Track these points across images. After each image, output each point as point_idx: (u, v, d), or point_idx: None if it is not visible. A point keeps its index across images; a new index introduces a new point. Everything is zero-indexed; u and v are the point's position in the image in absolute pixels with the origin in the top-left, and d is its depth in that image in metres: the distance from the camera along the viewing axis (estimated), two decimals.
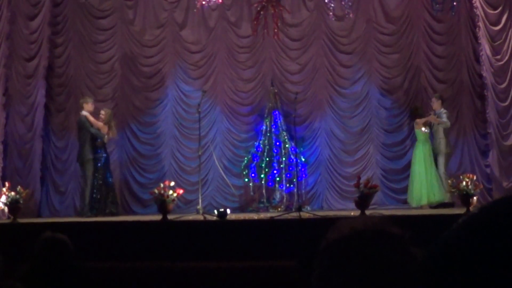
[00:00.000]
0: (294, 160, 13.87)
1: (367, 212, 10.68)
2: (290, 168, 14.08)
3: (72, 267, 5.00)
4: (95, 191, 13.09)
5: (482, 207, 1.39)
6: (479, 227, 1.33)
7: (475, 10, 13.57)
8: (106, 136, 13.32)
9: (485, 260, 1.28)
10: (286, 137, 14.28)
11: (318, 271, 1.54)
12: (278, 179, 14.13)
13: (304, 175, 14.25)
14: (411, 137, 14.49)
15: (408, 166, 14.38)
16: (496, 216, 1.33)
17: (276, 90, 14.59)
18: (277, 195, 14.11)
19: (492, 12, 13.33)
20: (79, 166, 13.69)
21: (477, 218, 1.36)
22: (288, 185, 14.09)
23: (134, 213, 14.35)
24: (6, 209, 12.09)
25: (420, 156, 13.32)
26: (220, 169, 14.25)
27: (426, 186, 13.07)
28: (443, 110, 13.40)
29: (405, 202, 14.10)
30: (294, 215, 10.91)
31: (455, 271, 1.32)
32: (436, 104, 13.52)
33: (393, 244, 1.51)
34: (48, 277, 4.83)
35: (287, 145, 14.23)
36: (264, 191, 14.12)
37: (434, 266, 1.36)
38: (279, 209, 13.56)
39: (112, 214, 12.94)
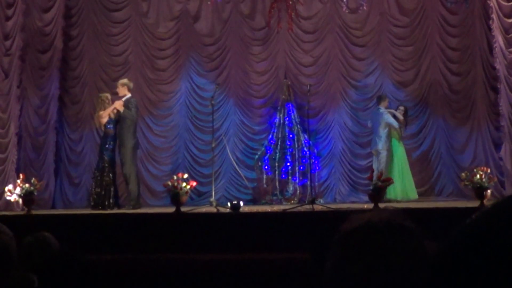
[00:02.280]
0: (307, 152, 13.87)
1: (381, 205, 10.66)
2: (303, 161, 14.08)
3: (66, 262, 4.97)
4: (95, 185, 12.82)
5: (496, 203, 1.39)
6: (492, 223, 1.33)
7: (488, 1, 13.48)
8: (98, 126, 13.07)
9: (497, 257, 1.28)
10: (299, 130, 14.27)
11: (331, 261, 1.55)
12: (291, 171, 14.13)
13: (317, 168, 14.24)
14: (425, 130, 14.49)
15: (422, 159, 14.41)
16: (509, 213, 1.33)
17: (289, 83, 14.60)
18: (290, 188, 14.11)
19: (506, 4, 13.24)
20: None
21: (490, 214, 1.36)
22: (301, 177, 14.10)
23: (147, 205, 14.37)
24: (20, 200, 12.12)
25: (396, 154, 13.47)
26: (233, 161, 14.27)
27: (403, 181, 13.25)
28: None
29: (420, 194, 14.10)
30: (307, 207, 10.92)
31: (466, 267, 1.32)
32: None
33: (406, 237, 1.52)
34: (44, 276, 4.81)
35: (300, 138, 14.23)
36: (277, 183, 14.12)
37: (446, 261, 1.37)
38: (292, 201, 13.56)
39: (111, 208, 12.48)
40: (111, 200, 12.47)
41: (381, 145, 13.44)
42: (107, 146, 12.65)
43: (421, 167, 14.46)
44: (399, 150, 13.54)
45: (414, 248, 1.51)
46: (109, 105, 12.75)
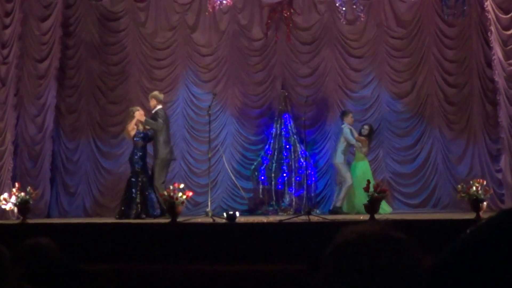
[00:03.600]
0: (304, 163, 13.85)
1: (376, 216, 10.64)
2: (300, 171, 14.07)
3: (63, 270, 4.94)
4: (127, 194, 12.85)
5: (490, 217, 1.40)
6: (487, 237, 1.33)
7: (486, 14, 13.50)
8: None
9: (492, 271, 1.28)
10: (296, 140, 14.28)
11: (324, 274, 1.56)
12: (287, 182, 14.12)
13: (313, 179, 14.24)
14: (421, 141, 14.50)
15: (418, 170, 14.41)
16: (503, 228, 1.33)
17: (286, 93, 14.60)
18: (287, 198, 14.10)
19: (504, 16, 13.27)
20: None
21: (485, 228, 1.36)
22: (297, 188, 14.08)
23: None
24: (15, 209, 12.10)
25: (358, 174, 13.52)
26: (229, 171, 14.27)
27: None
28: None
29: (415, 206, 14.13)
30: (303, 218, 10.88)
31: (462, 281, 1.32)
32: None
33: (398, 249, 1.52)
34: (40, 283, 4.79)
35: (297, 148, 14.23)
36: (273, 194, 14.11)
37: (442, 274, 1.37)
38: (289, 212, 13.55)
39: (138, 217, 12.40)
40: (138, 209, 12.49)
41: (337, 159, 13.57)
42: (135, 157, 12.78)
43: (417, 178, 14.47)
44: (357, 170, 13.55)
45: (407, 260, 1.51)
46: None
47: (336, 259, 1.55)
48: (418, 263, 1.52)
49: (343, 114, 13.93)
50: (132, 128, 12.82)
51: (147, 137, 12.86)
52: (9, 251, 4.29)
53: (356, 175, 13.48)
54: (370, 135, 13.86)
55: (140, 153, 12.76)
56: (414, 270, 1.50)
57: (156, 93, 13.22)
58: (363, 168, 13.57)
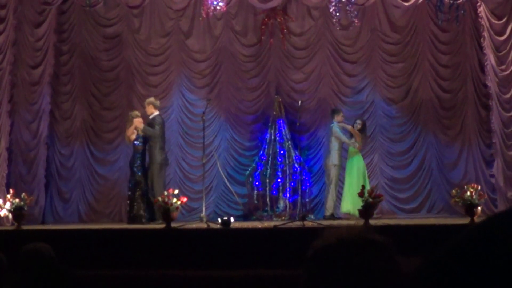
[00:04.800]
0: (298, 169, 13.87)
1: (371, 221, 10.66)
2: (294, 177, 14.07)
3: (59, 276, 4.95)
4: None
5: (483, 221, 1.41)
6: (479, 241, 1.33)
7: (480, 20, 13.57)
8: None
9: (483, 274, 1.29)
10: (290, 146, 14.27)
11: (304, 279, 1.58)
12: (282, 187, 14.12)
13: (308, 184, 14.24)
14: (416, 146, 14.52)
15: (413, 175, 14.42)
16: (495, 231, 1.34)
17: (280, 99, 14.60)
18: (281, 204, 14.09)
19: (497, 22, 13.33)
20: None
21: (477, 232, 1.37)
22: (292, 193, 14.08)
23: None
24: (10, 216, 12.10)
25: (353, 168, 13.44)
26: (224, 177, 14.24)
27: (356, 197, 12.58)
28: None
29: (410, 211, 14.14)
30: (297, 224, 10.90)
31: (452, 283, 1.33)
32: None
33: (376, 251, 1.54)
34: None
35: (291, 154, 14.22)
36: (268, 199, 14.10)
37: (432, 276, 1.37)
38: (283, 217, 13.54)
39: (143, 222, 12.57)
40: (145, 215, 12.72)
41: (332, 160, 13.52)
42: (136, 162, 13.03)
43: (412, 183, 14.48)
44: (353, 166, 13.50)
45: (385, 262, 1.53)
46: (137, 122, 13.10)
47: (316, 263, 1.57)
48: (397, 266, 1.54)
49: (334, 112, 13.88)
50: (132, 133, 13.02)
51: (147, 141, 13.05)
52: (5, 257, 4.29)
53: (352, 172, 13.41)
54: (363, 130, 13.77)
55: (141, 158, 13.00)
56: (393, 272, 1.52)
57: (152, 99, 13.38)
58: (358, 164, 13.48)
